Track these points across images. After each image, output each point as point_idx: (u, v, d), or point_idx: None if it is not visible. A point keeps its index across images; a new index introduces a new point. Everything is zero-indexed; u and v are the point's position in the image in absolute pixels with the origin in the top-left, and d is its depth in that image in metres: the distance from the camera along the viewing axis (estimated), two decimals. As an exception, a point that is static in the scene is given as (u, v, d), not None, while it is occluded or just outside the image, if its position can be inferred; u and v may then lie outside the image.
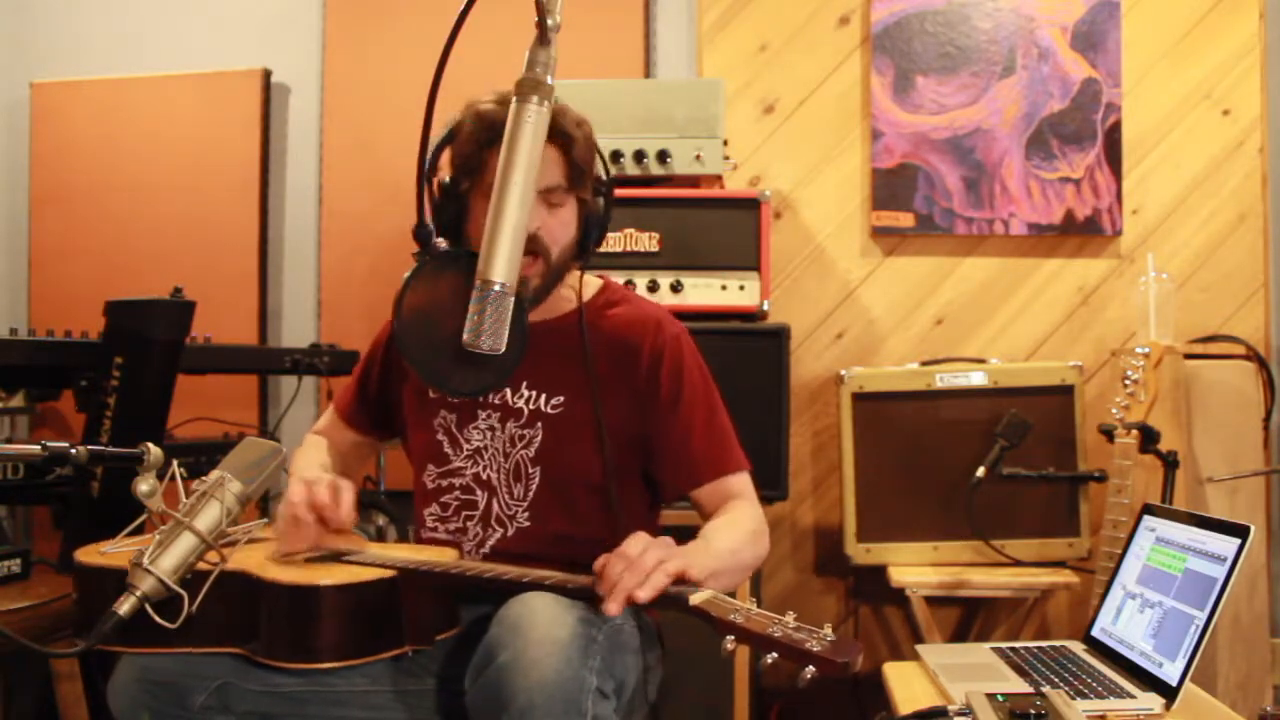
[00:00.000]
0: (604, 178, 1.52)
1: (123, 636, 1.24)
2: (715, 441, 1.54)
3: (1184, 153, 2.77)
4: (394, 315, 1.36)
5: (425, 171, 1.43)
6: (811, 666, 1.02)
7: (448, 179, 1.48)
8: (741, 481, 1.54)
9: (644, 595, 1.16)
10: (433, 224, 1.46)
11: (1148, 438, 2.10)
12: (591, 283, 1.60)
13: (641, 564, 1.18)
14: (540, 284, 1.46)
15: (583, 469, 1.50)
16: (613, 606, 1.16)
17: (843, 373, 2.51)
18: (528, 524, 1.50)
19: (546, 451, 1.50)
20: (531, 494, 1.50)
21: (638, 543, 1.21)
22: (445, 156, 1.50)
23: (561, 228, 1.47)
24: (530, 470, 1.51)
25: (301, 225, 3.05)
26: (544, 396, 1.52)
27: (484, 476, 1.53)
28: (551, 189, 1.44)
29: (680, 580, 1.19)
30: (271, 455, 1.39)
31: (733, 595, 1.19)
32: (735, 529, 1.44)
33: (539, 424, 1.51)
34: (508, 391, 1.52)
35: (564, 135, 1.42)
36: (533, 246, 1.41)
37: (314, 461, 1.65)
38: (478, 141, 1.44)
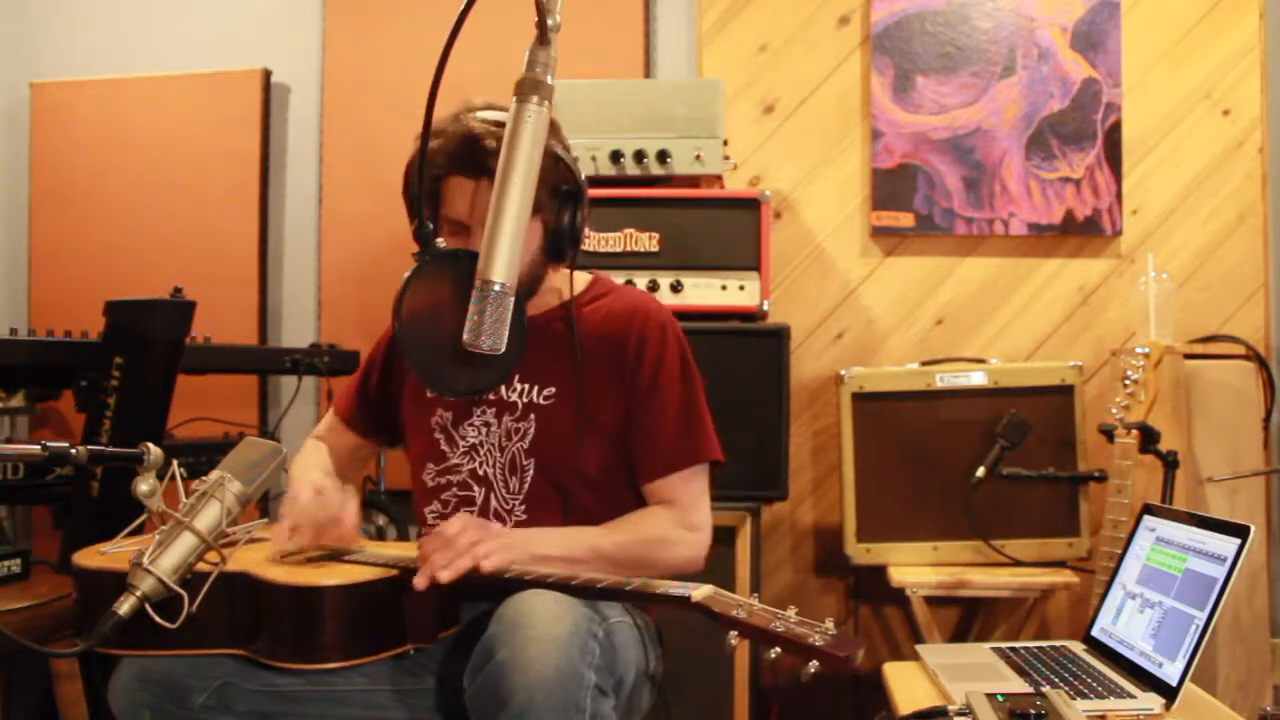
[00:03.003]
0: (570, 183, 1.48)
1: (123, 637, 1.24)
2: (685, 434, 1.52)
3: (1184, 153, 2.77)
4: (394, 315, 1.36)
5: (415, 179, 1.43)
6: (815, 661, 1.02)
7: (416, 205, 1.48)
8: (691, 484, 1.52)
9: (445, 576, 1.23)
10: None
11: (1148, 438, 2.10)
12: (581, 277, 1.62)
13: (455, 544, 1.26)
14: None
15: (574, 459, 1.51)
16: (419, 581, 1.24)
17: (843, 373, 2.51)
18: (524, 517, 1.51)
19: (539, 443, 1.51)
20: (526, 487, 1.51)
21: (456, 522, 1.29)
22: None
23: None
24: (525, 463, 1.51)
25: (301, 225, 3.05)
26: (536, 389, 1.53)
27: (481, 472, 1.53)
28: None
29: (500, 569, 1.26)
30: (271, 455, 1.39)
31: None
32: (622, 530, 1.46)
33: (532, 416, 1.52)
34: (502, 387, 1.53)
35: (487, 170, 1.40)
36: None
37: (315, 465, 1.65)
38: (432, 178, 1.45)
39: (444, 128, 1.45)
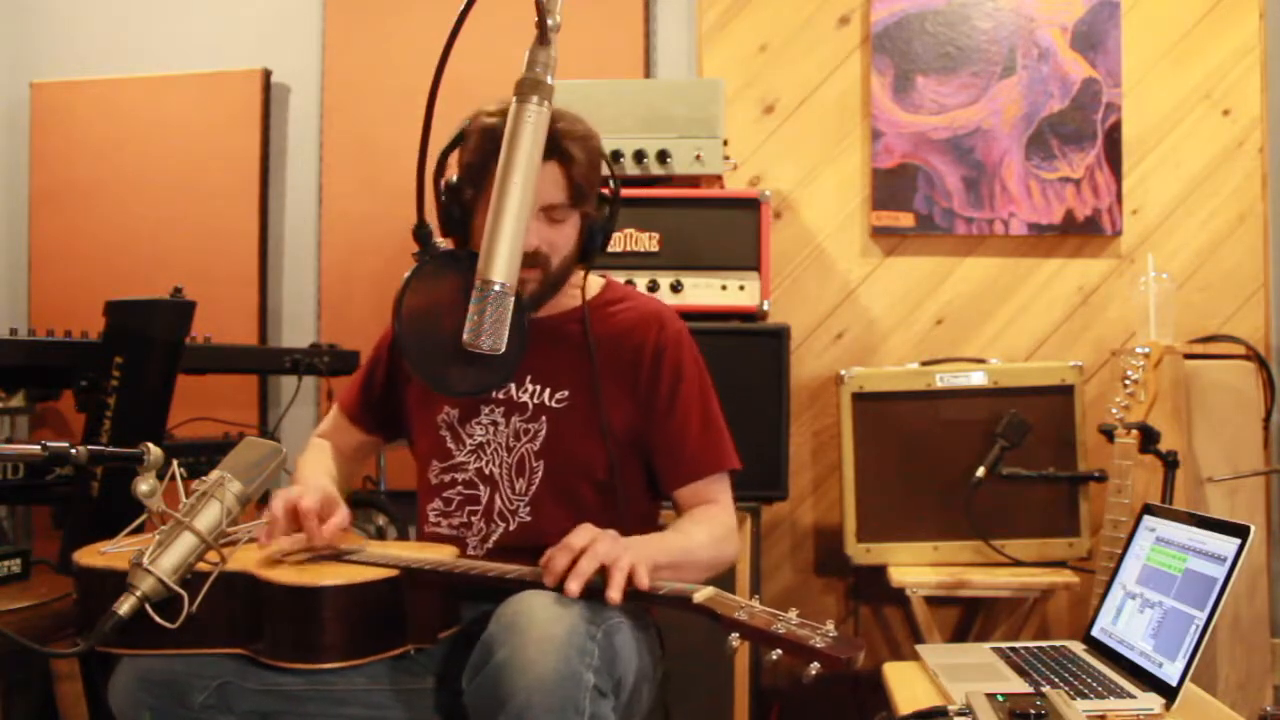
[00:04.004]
0: (610, 185, 1.53)
1: (123, 637, 1.24)
2: (706, 442, 1.55)
3: (1184, 153, 2.77)
4: (394, 315, 1.37)
5: (435, 174, 1.45)
6: (816, 663, 1.02)
7: (454, 182, 1.50)
8: (722, 485, 1.56)
9: (614, 595, 1.19)
10: (438, 224, 1.49)
11: (1148, 438, 2.10)
12: (595, 281, 1.62)
13: (595, 551, 1.21)
14: (538, 289, 1.49)
15: (586, 463, 1.52)
16: (573, 587, 1.19)
17: (843, 373, 2.51)
18: (529, 518, 1.51)
19: (551, 445, 1.52)
20: (533, 489, 1.51)
21: (585, 533, 1.24)
22: (453, 159, 1.52)
23: (563, 240, 1.50)
24: (534, 464, 1.52)
25: (301, 225, 3.05)
26: (548, 391, 1.53)
27: (487, 471, 1.53)
28: (554, 206, 1.46)
29: (630, 575, 1.21)
30: (271, 455, 1.39)
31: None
32: (697, 530, 1.47)
33: (543, 418, 1.52)
34: (512, 386, 1.54)
35: (566, 155, 1.44)
36: (532, 260, 1.44)
37: (320, 468, 1.66)
38: (483, 153, 1.45)
39: (494, 118, 1.43)
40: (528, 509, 1.51)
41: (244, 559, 1.33)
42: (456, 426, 1.56)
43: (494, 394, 1.54)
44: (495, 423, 1.54)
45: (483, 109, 1.48)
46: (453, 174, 1.51)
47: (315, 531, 1.36)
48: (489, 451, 1.54)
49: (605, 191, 1.53)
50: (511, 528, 1.51)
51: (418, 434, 1.63)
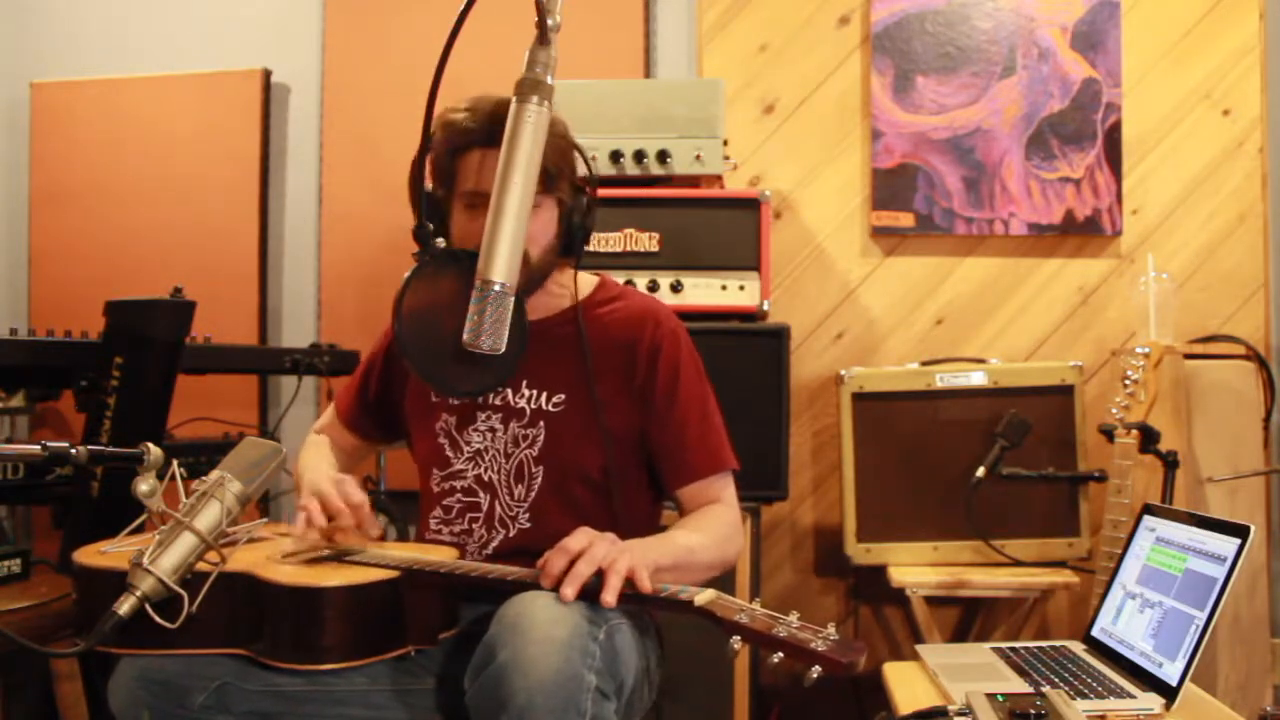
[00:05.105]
0: (585, 175, 1.52)
1: (123, 637, 1.24)
2: (707, 441, 1.55)
3: (1184, 153, 2.77)
4: (394, 315, 1.37)
5: (418, 178, 1.44)
6: (817, 666, 1.02)
7: (430, 190, 1.51)
8: (724, 483, 1.55)
9: (610, 599, 1.19)
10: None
11: (1148, 438, 2.10)
12: (588, 280, 1.61)
13: (592, 555, 1.21)
14: (522, 284, 1.47)
15: (584, 466, 1.51)
16: (569, 591, 1.18)
17: (843, 373, 2.51)
18: (529, 524, 1.51)
19: (549, 450, 1.51)
20: (533, 494, 1.51)
21: (582, 536, 1.24)
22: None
23: (539, 229, 1.47)
24: (533, 470, 1.51)
25: (301, 225, 3.05)
26: (545, 395, 1.53)
27: (485, 478, 1.53)
28: None
29: (629, 578, 1.21)
30: (271, 455, 1.39)
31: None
32: (700, 530, 1.46)
33: (541, 423, 1.52)
34: (509, 392, 1.53)
35: None
36: None
37: (323, 461, 1.66)
38: (446, 149, 1.47)
39: (469, 106, 1.45)
40: (527, 515, 1.51)
41: (244, 559, 1.33)
42: (454, 433, 1.56)
43: (491, 400, 1.53)
44: (493, 429, 1.53)
45: (452, 106, 1.48)
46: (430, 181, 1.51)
47: (359, 521, 1.38)
48: (487, 458, 1.53)
49: (580, 183, 1.52)
50: (511, 534, 1.51)
51: (416, 440, 1.63)
